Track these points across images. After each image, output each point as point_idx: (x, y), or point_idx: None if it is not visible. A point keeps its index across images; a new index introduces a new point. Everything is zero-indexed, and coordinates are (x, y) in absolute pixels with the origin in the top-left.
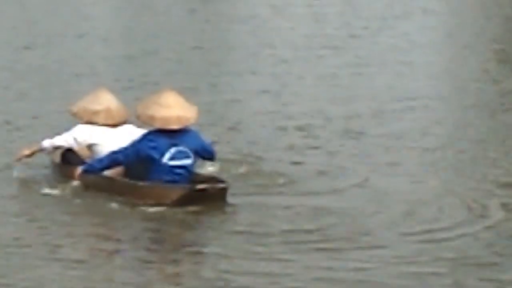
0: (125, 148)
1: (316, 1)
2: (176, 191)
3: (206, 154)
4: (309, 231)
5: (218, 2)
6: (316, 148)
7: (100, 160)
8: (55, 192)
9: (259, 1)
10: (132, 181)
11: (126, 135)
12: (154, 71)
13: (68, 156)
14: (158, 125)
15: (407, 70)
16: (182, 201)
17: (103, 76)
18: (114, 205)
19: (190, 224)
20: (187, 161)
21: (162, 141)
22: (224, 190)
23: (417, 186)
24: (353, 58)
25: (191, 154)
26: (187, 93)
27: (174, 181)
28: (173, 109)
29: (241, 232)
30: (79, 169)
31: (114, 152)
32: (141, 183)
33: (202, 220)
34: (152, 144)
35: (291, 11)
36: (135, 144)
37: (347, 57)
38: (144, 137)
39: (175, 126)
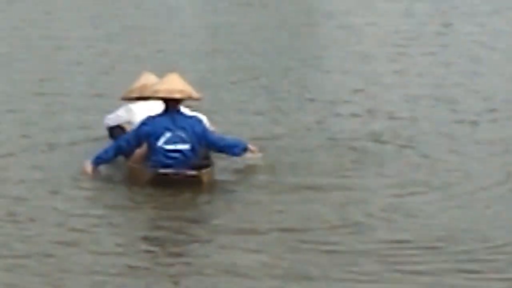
0: (127, 135)
1: None
2: (145, 173)
3: (212, 145)
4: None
5: None
6: (395, 155)
7: (106, 151)
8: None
9: None
10: (127, 162)
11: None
12: (237, 67)
13: (115, 131)
14: (161, 94)
15: (496, 70)
16: (153, 183)
17: (181, 72)
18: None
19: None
20: (183, 146)
21: (158, 125)
22: (194, 177)
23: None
24: (440, 56)
25: (189, 140)
26: (272, 90)
27: (168, 165)
28: (176, 83)
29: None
30: (88, 163)
31: (117, 141)
32: (128, 163)
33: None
34: (148, 128)
35: (379, 6)
36: (135, 130)
37: (434, 54)
38: (142, 122)
39: (177, 95)
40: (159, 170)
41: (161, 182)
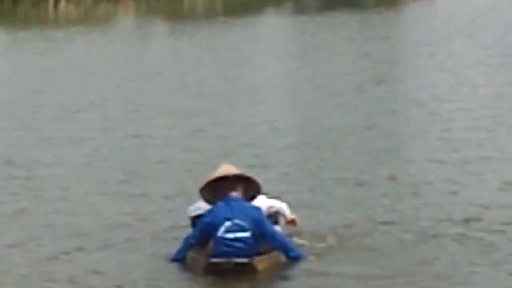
0: (193, 230)
1: (498, 79)
2: (201, 262)
3: (266, 237)
4: None
5: (397, 82)
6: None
7: (179, 251)
8: None
9: (438, 82)
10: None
11: None
12: (325, 162)
13: (196, 221)
14: (214, 176)
15: None
16: (208, 271)
17: (269, 168)
18: None
19: None
20: (243, 234)
21: (217, 215)
22: (245, 265)
23: None
24: None
25: (248, 227)
26: (358, 182)
27: (230, 254)
28: (228, 169)
29: None
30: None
31: (187, 238)
32: (191, 254)
33: None
34: (208, 219)
35: (470, 91)
36: (198, 224)
37: None
38: (203, 214)
39: (229, 173)
40: (211, 260)
41: (217, 271)
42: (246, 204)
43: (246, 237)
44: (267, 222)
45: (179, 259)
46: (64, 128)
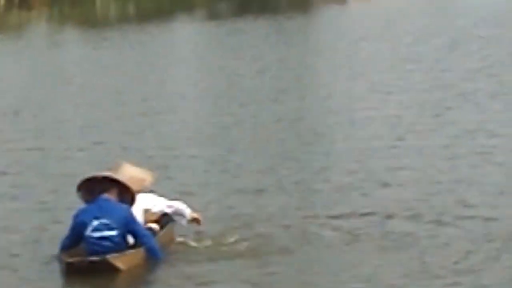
0: (68, 231)
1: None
2: (62, 263)
3: (134, 235)
4: None
5: (307, 91)
6: None
7: (58, 253)
8: None
9: (350, 89)
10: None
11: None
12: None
13: None
14: (85, 177)
15: None
16: (68, 272)
17: (172, 180)
18: None
19: None
20: (110, 233)
21: (86, 215)
22: (101, 264)
23: None
24: None
25: (116, 226)
26: (260, 191)
27: (98, 252)
28: (115, 171)
29: None
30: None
31: (62, 239)
32: (61, 254)
33: None
34: (77, 219)
35: (383, 98)
36: (71, 224)
37: None
38: (74, 214)
39: (98, 174)
40: (67, 260)
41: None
42: (116, 204)
43: (112, 236)
44: (136, 221)
45: (61, 256)
46: None
